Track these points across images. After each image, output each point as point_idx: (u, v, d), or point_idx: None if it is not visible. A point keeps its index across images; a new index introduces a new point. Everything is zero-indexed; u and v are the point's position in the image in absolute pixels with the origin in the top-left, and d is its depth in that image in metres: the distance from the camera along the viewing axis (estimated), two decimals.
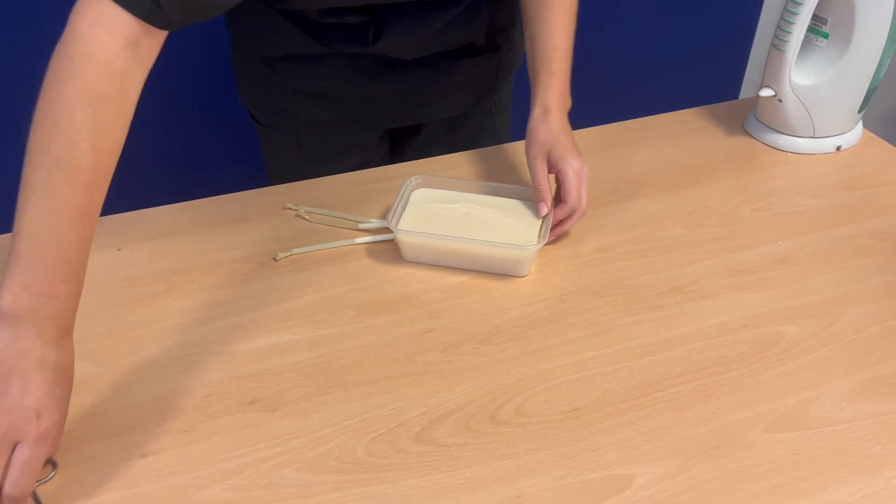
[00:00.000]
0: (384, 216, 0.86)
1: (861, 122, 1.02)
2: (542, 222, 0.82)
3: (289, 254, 0.83)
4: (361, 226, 0.86)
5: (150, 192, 1.00)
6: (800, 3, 0.90)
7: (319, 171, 0.96)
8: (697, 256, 0.83)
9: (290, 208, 0.89)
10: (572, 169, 0.81)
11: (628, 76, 1.71)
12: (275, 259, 0.82)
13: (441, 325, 0.74)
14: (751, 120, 1.04)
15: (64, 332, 0.59)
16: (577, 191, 0.81)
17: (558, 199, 0.82)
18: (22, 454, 0.55)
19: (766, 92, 0.97)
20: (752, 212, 0.89)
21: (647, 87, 1.68)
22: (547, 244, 0.81)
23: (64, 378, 0.58)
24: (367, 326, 0.74)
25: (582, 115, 1.12)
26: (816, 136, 0.99)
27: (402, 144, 1.08)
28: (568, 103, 0.85)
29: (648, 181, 0.95)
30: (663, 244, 0.84)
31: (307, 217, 0.88)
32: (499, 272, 0.80)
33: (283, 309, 0.76)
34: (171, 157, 1.53)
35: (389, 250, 0.84)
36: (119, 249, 0.84)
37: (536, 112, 0.83)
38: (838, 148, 0.99)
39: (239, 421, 0.65)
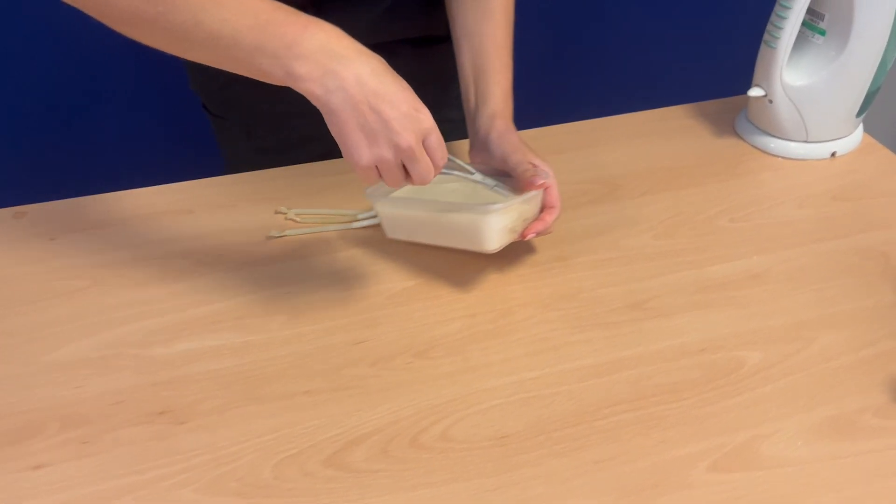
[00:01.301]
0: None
1: (861, 127, 0.95)
2: (523, 196, 0.73)
3: (283, 234, 0.81)
4: (360, 216, 0.82)
5: (101, 179, 0.97)
6: None
7: (274, 164, 0.91)
8: (663, 269, 0.77)
9: (280, 212, 0.84)
10: (552, 172, 0.75)
11: (629, 67, 1.63)
12: (268, 237, 0.81)
13: (376, 335, 0.70)
14: (742, 120, 0.97)
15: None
16: (558, 192, 0.75)
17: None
18: (432, 140, 0.61)
19: (755, 92, 0.90)
20: (729, 222, 0.83)
21: (649, 80, 1.60)
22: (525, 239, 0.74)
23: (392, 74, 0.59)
24: (297, 334, 0.70)
25: (567, 109, 1.06)
26: (810, 140, 0.92)
27: None
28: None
29: (622, 184, 0.89)
30: (628, 254, 0.79)
31: (297, 219, 0.83)
32: (465, 246, 0.73)
33: (212, 311, 0.72)
34: (125, 143, 1.49)
35: (363, 243, 0.79)
36: (52, 239, 0.80)
37: (497, 121, 0.77)
38: (833, 154, 0.92)
39: (144, 433, 0.61)
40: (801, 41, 0.87)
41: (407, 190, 0.77)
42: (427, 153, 0.61)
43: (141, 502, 0.56)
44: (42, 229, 0.81)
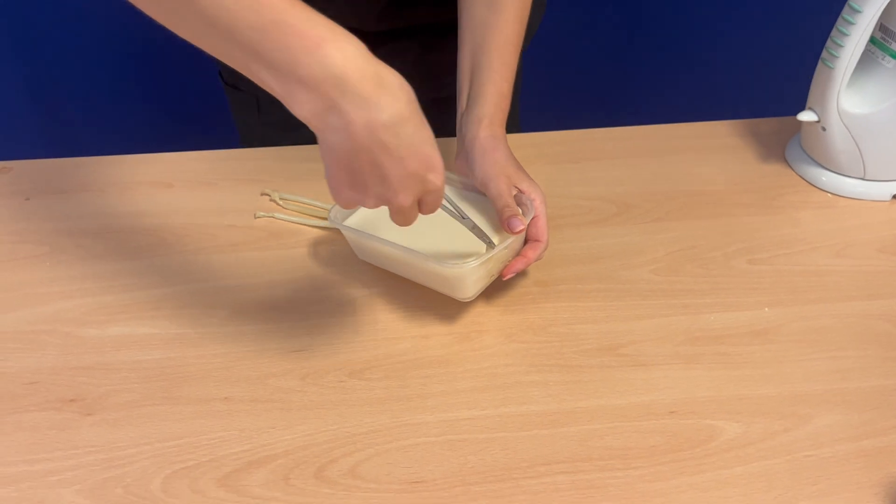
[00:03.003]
0: None
1: None
2: (503, 242, 0.65)
3: (270, 215, 0.77)
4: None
5: (115, 141, 0.95)
6: (858, 11, 0.70)
7: (282, 139, 0.87)
8: (653, 311, 0.68)
9: (266, 194, 0.80)
10: (539, 198, 0.67)
11: (676, 71, 1.48)
12: (256, 216, 0.77)
13: (315, 345, 0.65)
14: (794, 146, 0.85)
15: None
16: (545, 222, 0.67)
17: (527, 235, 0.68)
18: (429, 199, 0.53)
19: (806, 116, 0.78)
20: (747, 263, 0.72)
21: (699, 88, 1.44)
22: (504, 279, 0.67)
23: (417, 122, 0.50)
24: (234, 333, 0.65)
25: (600, 113, 0.97)
26: (867, 178, 0.79)
27: None
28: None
29: (636, 204, 0.79)
30: (618, 288, 0.70)
31: (281, 204, 0.79)
32: (440, 290, 0.67)
33: (157, 295, 0.69)
34: (139, 107, 1.49)
35: (334, 242, 0.74)
36: (27, 199, 0.79)
37: (484, 129, 0.69)
38: (895, 197, 0.79)
39: (48, 420, 0.59)
40: (867, 62, 0.75)
41: (371, 210, 0.71)
42: (419, 205, 0.53)
43: (22, 495, 0.54)
44: (21, 187, 0.80)
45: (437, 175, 0.51)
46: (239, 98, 0.94)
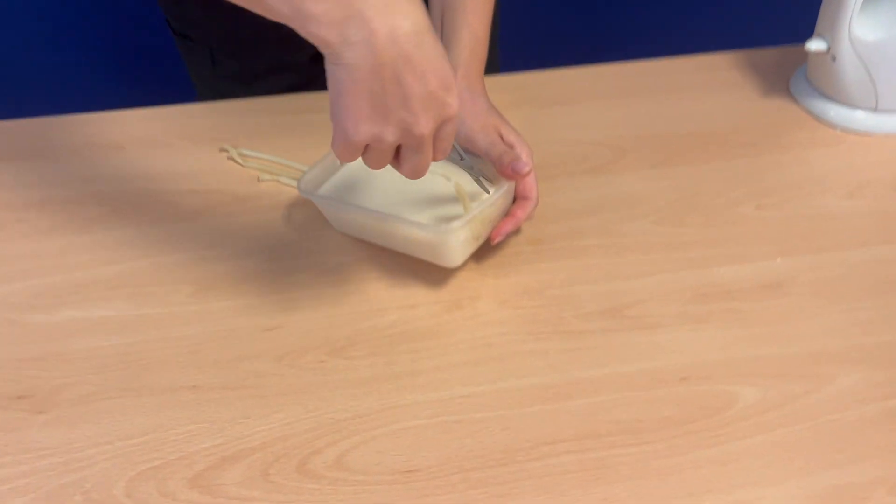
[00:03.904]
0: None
1: None
2: (493, 195, 0.59)
3: (276, 178, 0.70)
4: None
5: (52, 99, 0.87)
6: None
7: (239, 93, 0.79)
8: (657, 266, 0.62)
9: (224, 150, 0.73)
10: (527, 151, 0.61)
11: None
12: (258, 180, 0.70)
13: (292, 321, 0.59)
14: (799, 79, 0.79)
15: None
16: (534, 178, 0.61)
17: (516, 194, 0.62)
18: (446, 130, 0.47)
19: (815, 44, 0.72)
20: (755, 209, 0.67)
21: (692, 19, 1.37)
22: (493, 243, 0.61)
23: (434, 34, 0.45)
24: (200, 311, 0.59)
25: (586, 48, 0.90)
26: (880, 109, 0.73)
27: None
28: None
29: (632, 149, 0.73)
30: (619, 243, 0.64)
31: (241, 161, 0.72)
32: (425, 257, 0.61)
33: (112, 273, 0.62)
34: (83, 61, 1.39)
35: (306, 205, 0.68)
36: None
37: (459, 80, 0.63)
38: None
39: None
40: None
41: (345, 177, 0.64)
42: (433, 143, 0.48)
43: None
44: None
45: (454, 98, 0.45)
46: (191, 50, 0.85)
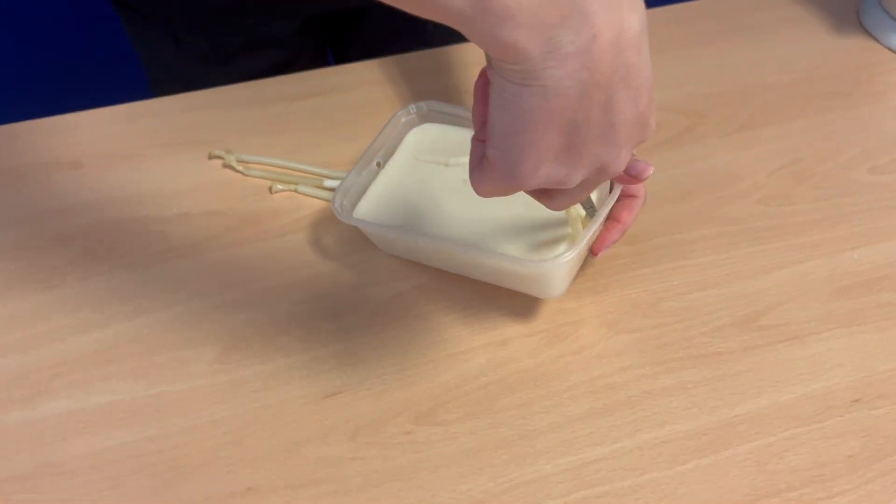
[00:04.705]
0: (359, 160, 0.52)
1: None
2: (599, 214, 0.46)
3: (292, 188, 0.55)
4: (328, 183, 0.55)
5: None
6: None
7: (211, 78, 0.63)
8: (779, 257, 0.51)
9: (217, 156, 0.57)
10: None
11: None
12: (270, 191, 0.55)
13: (355, 382, 0.45)
14: (871, 7, 0.68)
15: None
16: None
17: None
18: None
19: None
20: (868, 173, 0.57)
21: None
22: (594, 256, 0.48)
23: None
24: (233, 382, 0.45)
25: None
26: None
27: (340, 39, 0.74)
28: None
29: (708, 111, 0.61)
30: (726, 231, 0.53)
31: (241, 169, 0.56)
32: (519, 289, 0.49)
33: (102, 339, 0.47)
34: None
35: (333, 217, 0.54)
36: None
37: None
38: None
39: None
40: None
41: (389, 188, 0.51)
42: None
43: None
44: None
45: (654, 116, 0.33)
46: (144, 27, 0.68)
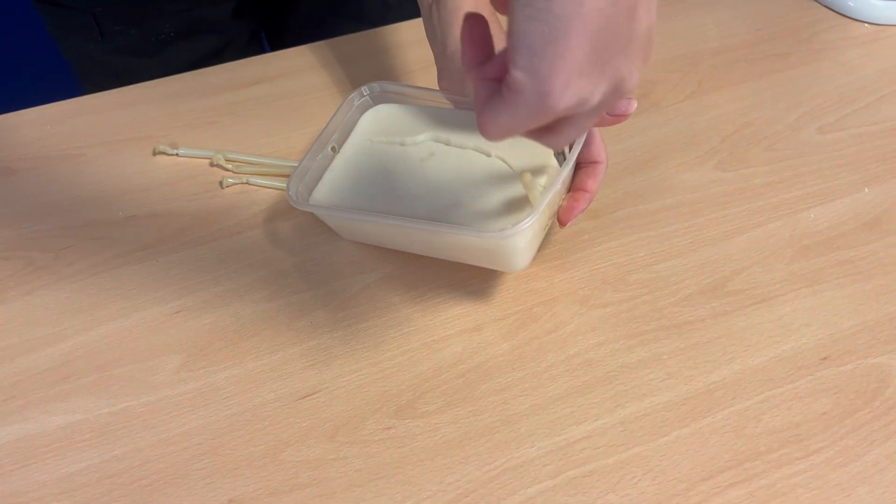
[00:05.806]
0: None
1: None
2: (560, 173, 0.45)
3: (243, 181, 0.53)
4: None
5: None
6: None
7: (140, 70, 0.60)
8: (740, 222, 0.52)
9: (161, 152, 0.54)
10: None
11: None
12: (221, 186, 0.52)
13: (330, 380, 0.44)
14: None
15: None
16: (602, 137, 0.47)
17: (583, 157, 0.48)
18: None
19: None
20: (818, 133, 0.58)
21: None
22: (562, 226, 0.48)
23: None
24: (201, 390, 0.44)
25: None
26: None
27: (274, 20, 0.71)
28: None
29: (658, 79, 0.62)
30: (686, 199, 0.53)
31: (232, 168, 0.54)
32: (480, 264, 0.48)
33: (57, 354, 0.45)
34: None
35: (292, 210, 0.51)
36: None
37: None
38: None
39: None
40: None
41: (342, 172, 0.49)
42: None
43: None
44: None
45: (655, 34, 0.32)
46: (63, 19, 0.64)
